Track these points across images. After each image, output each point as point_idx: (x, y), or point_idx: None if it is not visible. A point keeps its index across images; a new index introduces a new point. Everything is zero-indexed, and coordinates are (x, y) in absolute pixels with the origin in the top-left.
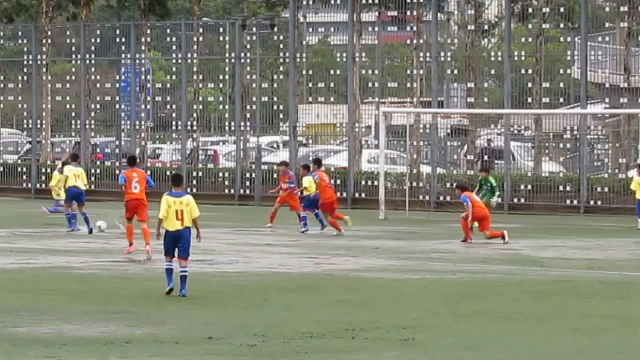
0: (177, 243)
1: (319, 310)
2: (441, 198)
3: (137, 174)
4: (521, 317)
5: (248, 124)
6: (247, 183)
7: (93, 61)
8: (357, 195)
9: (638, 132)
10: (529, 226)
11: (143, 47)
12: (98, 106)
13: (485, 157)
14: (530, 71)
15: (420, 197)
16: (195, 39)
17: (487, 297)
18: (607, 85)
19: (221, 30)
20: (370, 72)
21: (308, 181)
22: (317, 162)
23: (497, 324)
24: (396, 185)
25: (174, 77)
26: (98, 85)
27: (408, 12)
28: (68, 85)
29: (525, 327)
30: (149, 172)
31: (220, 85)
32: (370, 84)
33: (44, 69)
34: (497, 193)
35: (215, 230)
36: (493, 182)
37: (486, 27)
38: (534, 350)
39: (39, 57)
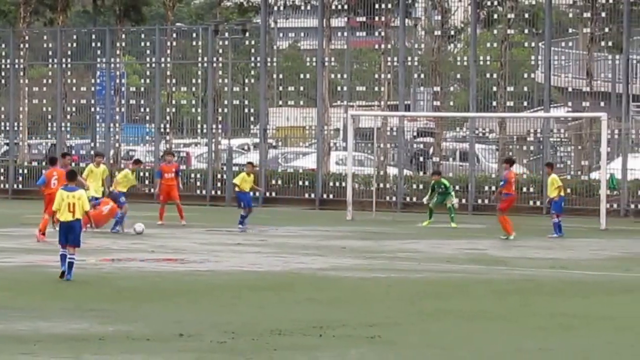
0: (68, 233)
1: (288, 308)
2: (407, 199)
3: (56, 173)
4: (486, 315)
5: (220, 126)
6: (219, 184)
7: (69, 65)
8: (325, 196)
9: (600, 135)
10: (493, 227)
11: (118, 52)
12: (74, 109)
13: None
14: (495, 75)
15: (387, 198)
16: (168, 43)
17: (452, 296)
18: (569, 89)
19: (194, 35)
20: (339, 76)
21: (240, 179)
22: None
23: (462, 322)
24: (363, 186)
25: (147, 80)
26: (74, 88)
27: (376, 18)
28: (45, 89)
29: (489, 325)
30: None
31: (193, 88)
32: (339, 88)
33: (22, 73)
34: (452, 193)
35: (187, 230)
36: (446, 183)
37: (452, 32)
38: (499, 348)
39: (16, 61)
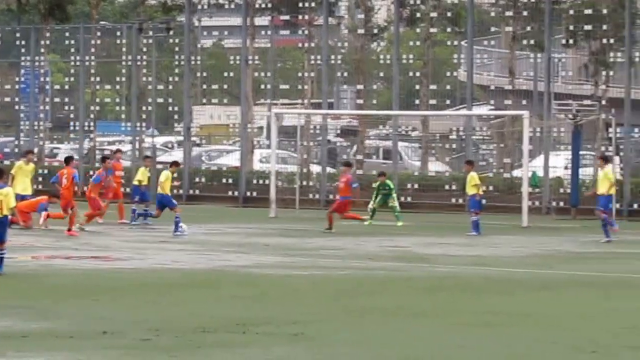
0: None
1: (212, 306)
2: (331, 196)
3: None
4: (409, 312)
5: (144, 124)
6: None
7: None
8: (248, 194)
9: (522, 133)
10: (415, 224)
11: (42, 50)
12: None
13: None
14: (418, 74)
15: (310, 196)
16: (93, 42)
17: (375, 293)
18: (492, 87)
19: (118, 33)
20: (262, 74)
21: (141, 173)
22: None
23: (386, 319)
24: (287, 184)
25: (72, 79)
26: None
27: (300, 17)
28: None
29: (413, 322)
30: (46, 171)
31: (117, 87)
32: (262, 86)
33: None
34: (394, 196)
35: (112, 227)
36: (391, 184)
37: (375, 31)
38: (421, 345)
39: None
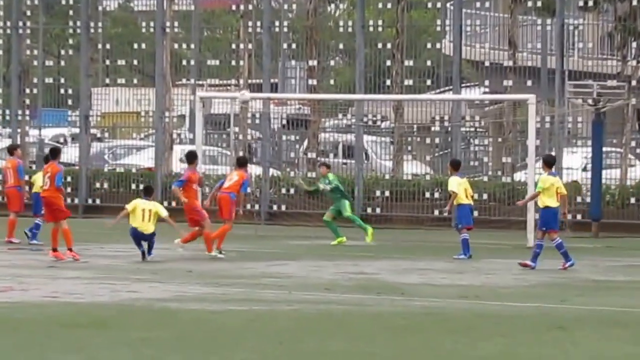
0: None
1: (116, 352)
2: (275, 207)
3: None
4: (377, 359)
5: (27, 112)
6: (27, 188)
7: None
8: (166, 203)
9: (526, 123)
10: (386, 244)
11: None
12: None
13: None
14: (389, 46)
15: (249, 207)
16: None
17: (333, 335)
18: (487, 63)
19: None
20: (184, 46)
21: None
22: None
23: None
24: (217, 191)
25: None
26: None
27: None
28: None
29: None
30: None
31: None
32: (184, 62)
33: None
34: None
35: None
36: (336, 181)
37: None
38: None
39: None
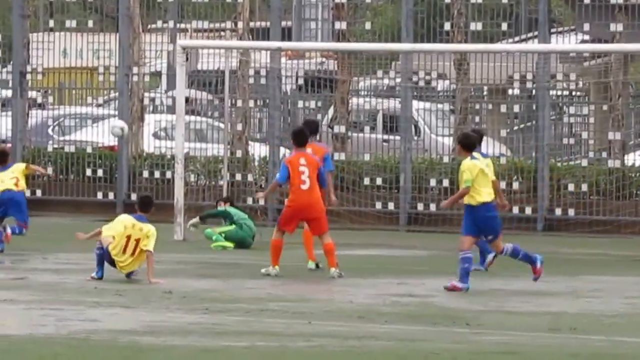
0: None
1: None
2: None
3: None
4: None
5: None
6: None
7: None
8: (134, 196)
9: None
10: (443, 253)
11: None
12: None
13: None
14: None
15: (250, 201)
16: None
17: None
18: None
19: None
20: None
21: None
22: None
23: None
24: (206, 179)
25: None
26: None
27: None
28: None
29: None
30: None
31: None
32: None
33: None
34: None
35: None
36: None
37: None
38: None
39: None
